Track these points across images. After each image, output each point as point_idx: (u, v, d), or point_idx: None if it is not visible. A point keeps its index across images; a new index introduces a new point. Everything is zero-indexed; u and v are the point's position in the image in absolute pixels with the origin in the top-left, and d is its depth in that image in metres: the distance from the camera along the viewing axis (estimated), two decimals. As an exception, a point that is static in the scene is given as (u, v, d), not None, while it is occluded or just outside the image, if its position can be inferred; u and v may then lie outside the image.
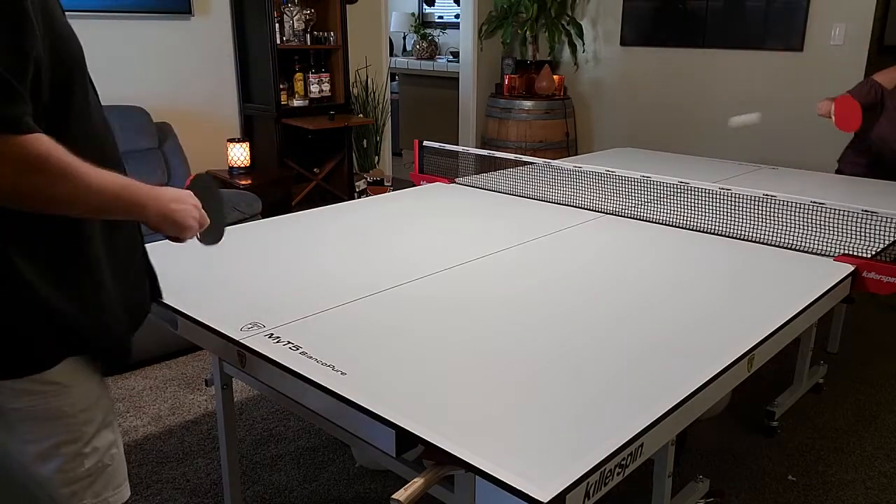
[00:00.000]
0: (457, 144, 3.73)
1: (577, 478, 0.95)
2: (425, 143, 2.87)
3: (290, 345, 1.32)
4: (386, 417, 1.09)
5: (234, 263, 1.78)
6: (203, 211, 1.24)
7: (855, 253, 1.90)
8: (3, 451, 1.12)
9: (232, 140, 3.87)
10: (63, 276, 1.07)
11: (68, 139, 0.97)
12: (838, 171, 3.37)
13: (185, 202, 1.19)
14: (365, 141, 4.83)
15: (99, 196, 1.00)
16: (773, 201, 2.43)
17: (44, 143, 0.92)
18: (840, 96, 3.14)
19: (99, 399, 1.19)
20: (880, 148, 3.22)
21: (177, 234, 1.21)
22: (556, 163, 2.67)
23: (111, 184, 1.02)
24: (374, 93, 4.85)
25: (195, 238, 1.27)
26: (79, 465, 1.14)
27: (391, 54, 6.48)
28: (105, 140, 1.16)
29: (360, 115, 4.69)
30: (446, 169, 2.96)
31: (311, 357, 1.27)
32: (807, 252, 1.93)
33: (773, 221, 2.23)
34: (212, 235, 1.34)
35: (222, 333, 1.37)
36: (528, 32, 5.40)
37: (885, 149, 3.20)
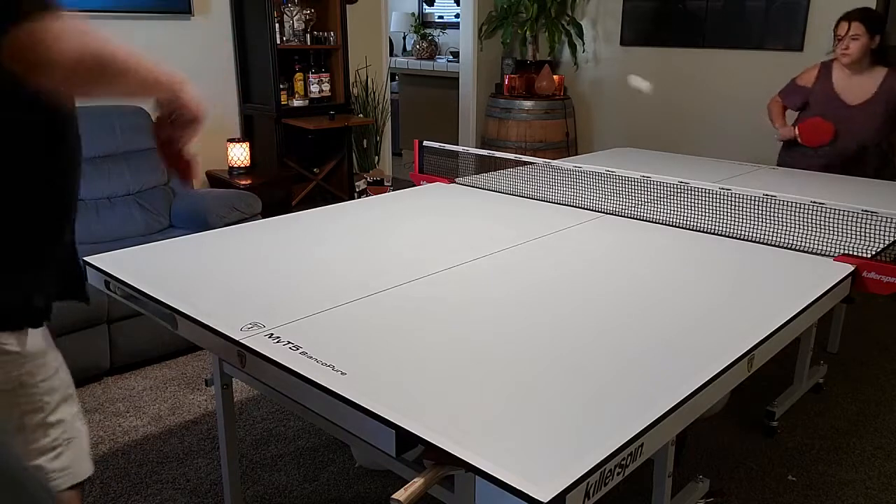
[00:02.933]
0: (457, 144, 3.73)
1: (577, 478, 0.95)
2: (425, 143, 2.87)
3: (290, 345, 1.32)
4: (386, 417, 1.09)
5: (234, 263, 1.78)
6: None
7: (855, 253, 1.90)
8: (1, 450, 1.12)
9: (232, 140, 3.88)
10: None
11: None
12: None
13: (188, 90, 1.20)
14: (365, 141, 4.83)
15: (136, 70, 1.03)
16: (773, 201, 2.43)
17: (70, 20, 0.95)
18: (801, 123, 3.19)
19: (57, 372, 1.20)
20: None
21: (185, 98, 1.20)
22: (556, 163, 2.67)
23: (140, 60, 1.05)
24: (374, 93, 4.85)
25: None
26: (42, 436, 1.15)
27: (391, 54, 6.48)
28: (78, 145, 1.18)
29: (360, 115, 4.69)
30: (446, 169, 2.96)
31: (311, 357, 1.27)
32: (807, 252, 1.93)
33: (773, 221, 2.23)
34: None
35: (222, 333, 1.37)
36: (528, 32, 5.40)
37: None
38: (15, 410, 1.11)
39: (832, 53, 3.16)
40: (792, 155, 3.31)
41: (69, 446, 1.19)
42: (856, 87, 3.11)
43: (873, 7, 4.06)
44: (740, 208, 2.38)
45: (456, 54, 6.38)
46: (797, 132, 3.20)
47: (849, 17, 3.02)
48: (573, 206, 2.40)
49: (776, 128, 3.32)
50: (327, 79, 4.17)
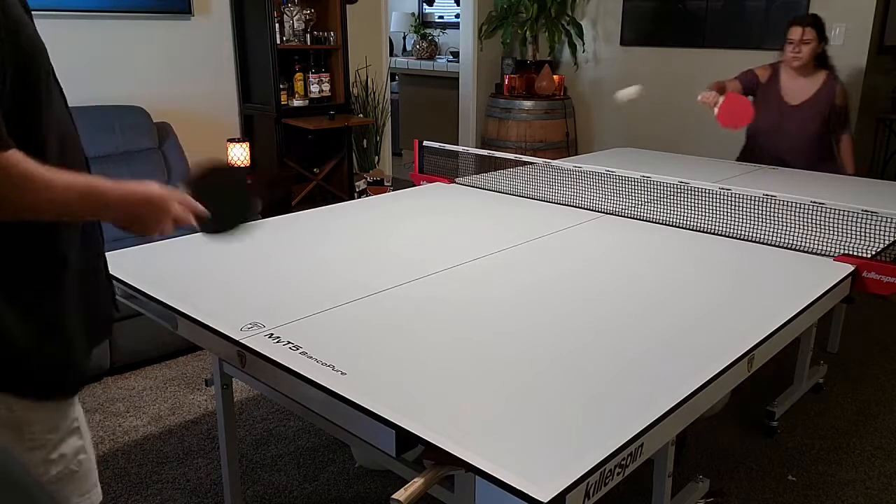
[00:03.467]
0: (457, 144, 3.73)
1: (577, 478, 0.95)
2: (425, 143, 2.87)
3: (290, 345, 1.32)
4: (386, 417, 1.09)
5: (234, 263, 1.78)
6: (197, 203, 1.21)
7: (855, 253, 1.90)
8: (3, 453, 1.11)
9: (232, 140, 3.87)
10: (30, 309, 1.07)
11: (31, 132, 0.99)
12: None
13: (155, 203, 1.15)
14: (365, 141, 4.83)
15: (65, 200, 1.01)
16: (773, 201, 2.43)
17: (9, 156, 0.94)
18: (730, 93, 3.15)
19: (58, 409, 1.16)
20: (754, 137, 3.43)
21: (142, 234, 1.19)
22: (556, 163, 2.67)
23: (76, 186, 1.02)
24: (374, 93, 4.85)
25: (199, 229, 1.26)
26: (44, 473, 1.12)
27: (391, 54, 6.47)
28: (68, 136, 1.15)
29: (360, 115, 4.68)
30: (446, 169, 2.96)
31: (311, 357, 1.27)
32: (807, 252, 1.93)
33: (773, 221, 2.23)
34: (219, 226, 1.30)
35: (222, 333, 1.37)
36: (528, 32, 5.40)
37: (758, 138, 3.40)
38: (16, 448, 1.09)
39: (781, 55, 3.29)
40: (751, 150, 3.45)
41: (71, 480, 1.16)
42: (798, 88, 3.26)
43: (873, 8, 4.06)
44: (740, 208, 2.38)
45: (456, 54, 6.37)
46: (719, 100, 3.10)
47: (802, 21, 3.19)
48: (573, 206, 2.40)
49: (705, 94, 3.23)
50: (327, 79, 4.16)
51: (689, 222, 2.22)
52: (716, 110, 3.11)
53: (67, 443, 1.16)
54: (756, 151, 3.40)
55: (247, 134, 4.13)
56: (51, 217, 1.03)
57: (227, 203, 1.29)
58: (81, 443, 1.19)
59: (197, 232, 1.28)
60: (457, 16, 6.37)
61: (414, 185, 2.78)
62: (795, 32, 3.18)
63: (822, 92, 3.20)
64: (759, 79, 3.37)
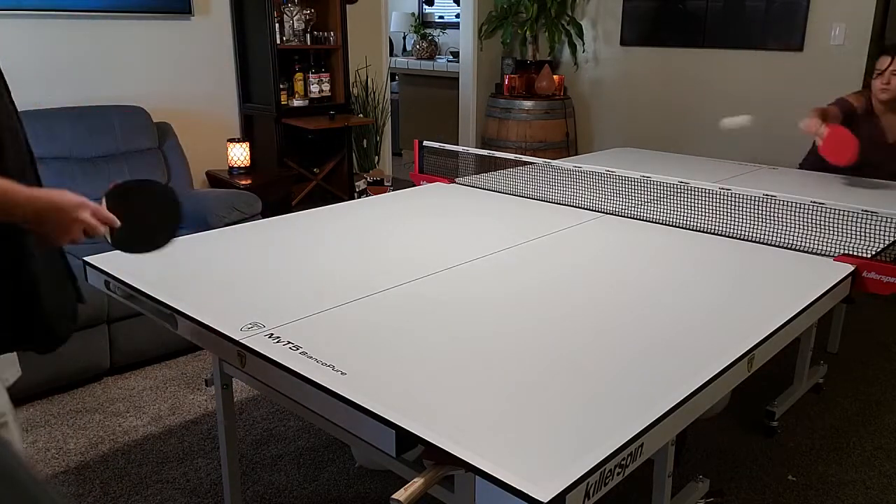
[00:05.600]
0: (457, 144, 3.73)
1: (577, 478, 0.95)
2: (425, 143, 2.87)
3: (290, 345, 1.32)
4: (386, 417, 1.09)
5: (234, 263, 1.78)
6: (110, 215, 1.26)
7: (855, 253, 1.90)
8: (1, 450, 1.11)
9: (232, 140, 3.87)
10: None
11: None
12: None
13: (63, 209, 1.19)
14: (365, 141, 4.83)
15: None
16: (773, 201, 2.43)
17: None
18: (838, 126, 2.88)
19: None
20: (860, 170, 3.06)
21: (54, 239, 1.22)
22: (556, 163, 2.67)
23: None
24: (374, 93, 4.85)
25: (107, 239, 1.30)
26: None
27: (391, 54, 6.48)
28: (9, 129, 1.20)
29: (360, 115, 4.69)
30: (446, 169, 2.96)
31: (311, 357, 1.27)
32: (807, 252, 1.93)
33: (773, 221, 2.23)
34: (128, 241, 1.34)
35: (222, 333, 1.37)
36: (528, 32, 5.40)
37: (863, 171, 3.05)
38: None
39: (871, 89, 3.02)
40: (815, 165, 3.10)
41: None
42: (893, 124, 3.01)
43: (873, 8, 4.06)
44: (740, 208, 2.38)
45: (456, 54, 6.37)
46: (825, 131, 2.86)
47: (892, 52, 2.92)
48: (573, 206, 2.40)
49: (810, 123, 2.90)
50: (327, 79, 4.17)
51: (689, 222, 2.22)
52: (818, 141, 2.84)
53: None
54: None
55: (247, 134, 4.14)
56: None
57: (144, 221, 1.32)
58: (9, 438, 1.22)
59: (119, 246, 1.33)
60: (457, 16, 6.38)
61: (414, 185, 2.78)
62: (883, 62, 2.91)
63: None
64: (853, 107, 3.03)
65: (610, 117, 5.44)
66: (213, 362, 1.85)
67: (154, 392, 2.71)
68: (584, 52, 5.46)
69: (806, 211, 2.30)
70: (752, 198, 2.48)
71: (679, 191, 2.64)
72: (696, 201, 2.48)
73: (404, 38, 7.24)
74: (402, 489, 0.99)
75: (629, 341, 1.37)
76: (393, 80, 6.66)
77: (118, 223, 1.28)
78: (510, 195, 2.55)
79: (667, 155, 3.56)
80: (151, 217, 1.33)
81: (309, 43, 4.07)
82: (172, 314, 1.50)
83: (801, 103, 4.32)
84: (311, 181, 4.20)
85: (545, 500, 0.91)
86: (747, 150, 4.68)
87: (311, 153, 4.26)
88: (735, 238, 2.06)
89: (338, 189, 4.32)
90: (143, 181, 1.38)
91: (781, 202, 2.40)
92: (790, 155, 4.40)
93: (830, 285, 1.69)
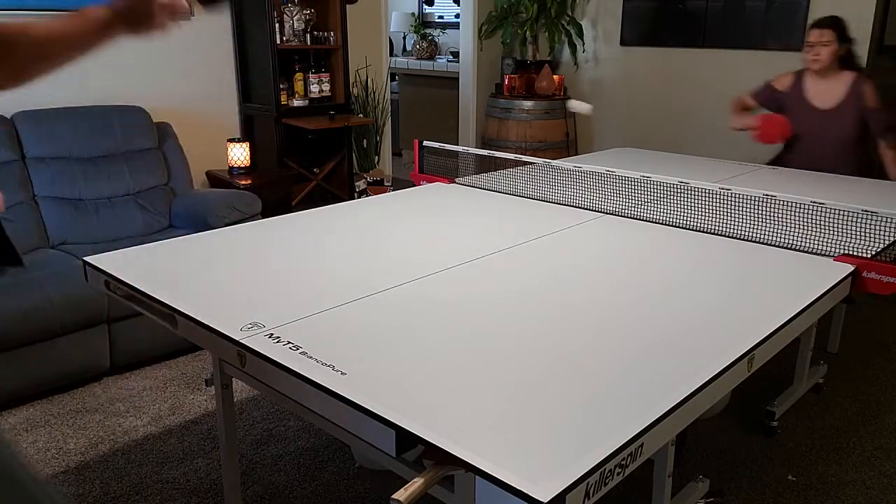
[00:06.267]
0: (457, 144, 3.73)
1: (577, 478, 0.95)
2: (425, 143, 2.87)
3: (290, 345, 1.32)
4: (386, 417, 1.09)
5: (234, 263, 1.78)
6: None
7: (855, 253, 1.90)
8: (2, 450, 1.11)
9: (232, 140, 3.87)
10: None
11: None
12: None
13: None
14: (365, 141, 4.83)
15: (55, 31, 1.10)
16: (773, 201, 2.43)
17: None
18: (764, 115, 3.27)
19: None
20: (790, 147, 3.36)
21: (145, 28, 1.22)
22: (556, 163, 2.67)
23: (59, 19, 1.11)
24: (374, 93, 4.85)
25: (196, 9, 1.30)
26: None
27: (391, 54, 6.48)
28: None
29: (360, 115, 4.69)
30: (446, 169, 2.96)
31: (311, 357, 1.27)
32: (807, 252, 1.93)
33: (773, 221, 2.23)
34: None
35: (222, 333, 1.37)
36: (528, 32, 5.40)
37: (794, 147, 3.33)
38: None
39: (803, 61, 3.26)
40: (784, 159, 3.37)
41: None
42: (825, 91, 3.21)
43: (873, 9, 4.06)
44: (740, 208, 2.38)
45: (456, 54, 6.38)
46: (754, 123, 3.27)
47: (820, 24, 3.16)
48: (573, 206, 2.40)
49: (734, 119, 3.41)
50: (327, 79, 4.17)
51: (689, 222, 2.22)
52: (753, 133, 3.22)
53: None
54: (791, 163, 3.33)
55: (247, 134, 4.14)
56: (60, 58, 1.11)
57: None
58: None
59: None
60: (457, 16, 6.38)
61: (414, 185, 2.78)
62: (813, 35, 3.15)
63: (852, 93, 3.15)
64: (779, 90, 3.33)
65: (610, 117, 5.44)
66: (213, 362, 1.85)
67: (154, 392, 2.71)
68: (584, 52, 5.46)
69: (806, 211, 2.30)
70: (752, 198, 2.48)
71: (679, 191, 2.64)
72: (696, 201, 2.48)
73: (404, 38, 7.24)
74: (402, 489, 0.99)
75: (629, 341, 1.37)
76: (393, 80, 6.66)
77: None
78: (510, 195, 2.55)
79: (667, 155, 3.56)
80: None
81: (309, 43, 4.07)
82: (172, 314, 1.50)
83: (801, 103, 4.31)
84: (311, 181, 4.20)
85: (545, 500, 0.91)
86: (747, 150, 4.67)
87: (311, 153, 4.26)
88: (735, 238, 2.06)
89: (338, 189, 4.32)
90: None
91: (781, 202, 2.41)
92: (790, 155, 4.39)
93: (830, 285, 1.69)
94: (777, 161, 3.40)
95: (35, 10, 3.17)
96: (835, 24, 3.14)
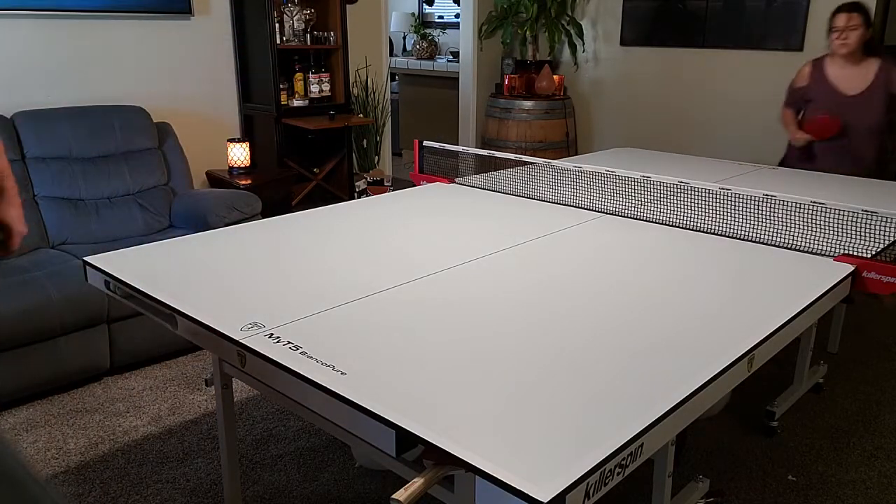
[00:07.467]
0: (457, 144, 3.72)
1: (577, 478, 0.95)
2: (425, 143, 2.87)
3: (290, 345, 1.32)
4: (386, 417, 1.09)
5: (234, 263, 1.78)
6: None
7: (855, 253, 1.90)
8: (2, 450, 1.11)
9: (232, 140, 3.88)
10: None
11: None
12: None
13: None
14: (365, 141, 4.83)
15: None
16: (773, 201, 2.43)
17: None
18: (807, 124, 3.25)
19: None
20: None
21: None
22: (556, 163, 2.67)
23: None
24: (374, 93, 4.85)
25: None
26: None
27: (391, 54, 6.48)
28: None
29: (360, 115, 4.69)
30: (446, 169, 2.96)
31: (311, 357, 1.27)
32: (807, 252, 1.93)
33: (773, 221, 2.23)
34: None
35: (222, 333, 1.37)
36: (528, 32, 5.40)
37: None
38: None
39: (828, 47, 3.21)
40: (807, 153, 3.33)
41: None
42: (851, 77, 3.16)
43: (873, 7, 4.06)
44: (740, 208, 2.38)
45: (456, 54, 6.38)
46: (807, 133, 3.24)
47: (847, 8, 3.11)
48: (573, 206, 2.40)
49: (793, 136, 3.35)
50: (327, 79, 4.17)
51: (689, 222, 2.22)
52: (809, 137, 3.24)
53: None
54: (815, 156, 3.28)
55: (247, 134, 4.14)
56: None
57: None
58: None
59: None
60: (457, 16, 6.38)
61: (414, 185, 2.78)
62: (841, 19, 3.10)
63: (880, 78, 3.09)
64: (800, 86, 3.28)
65: (610, 117, 5.44)
66: (213, 362, 1.85)
67: (154, 392, 2.71)
68: (584, 52, 5.46)
69: (806, 211, 2.30)
70: (752, 198, 2.48)
71: (679, 191, 2.64)
72: (696, 201, 2.48)
73: (404, 38, 7.24)
74: (402, 489, 0.99)
75: (629, 341, 1.37)
76: (393, 80, 6.66)
77: None
78: (510, 195, 2.55)
79: (667, 155, 3.56)
80: None
81: (309, 43, 4.07)
82: (172, 314, 1.50)
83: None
84: (311, 181, 4.20)
85: (545, 500, 0.91)
86: (747, 150, 4.68)
87: (311, 153, 4.26)
88: (735, 238, 2.06)
89: (338, 189, 4.32)
90: None
91: (781, 202, 2.41)
92: (790, 155, 4.39)
93: (830, 285, 1.69)
94: (794, 161, 3.37)
95: (35, 10, 3.17)
96: (861, 8, 3.09)
